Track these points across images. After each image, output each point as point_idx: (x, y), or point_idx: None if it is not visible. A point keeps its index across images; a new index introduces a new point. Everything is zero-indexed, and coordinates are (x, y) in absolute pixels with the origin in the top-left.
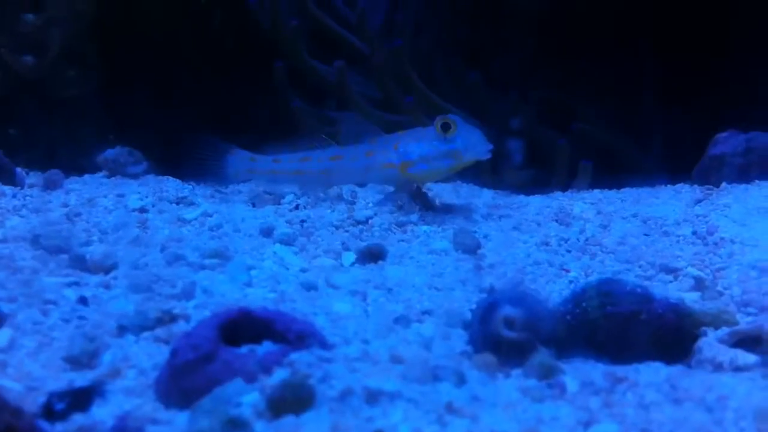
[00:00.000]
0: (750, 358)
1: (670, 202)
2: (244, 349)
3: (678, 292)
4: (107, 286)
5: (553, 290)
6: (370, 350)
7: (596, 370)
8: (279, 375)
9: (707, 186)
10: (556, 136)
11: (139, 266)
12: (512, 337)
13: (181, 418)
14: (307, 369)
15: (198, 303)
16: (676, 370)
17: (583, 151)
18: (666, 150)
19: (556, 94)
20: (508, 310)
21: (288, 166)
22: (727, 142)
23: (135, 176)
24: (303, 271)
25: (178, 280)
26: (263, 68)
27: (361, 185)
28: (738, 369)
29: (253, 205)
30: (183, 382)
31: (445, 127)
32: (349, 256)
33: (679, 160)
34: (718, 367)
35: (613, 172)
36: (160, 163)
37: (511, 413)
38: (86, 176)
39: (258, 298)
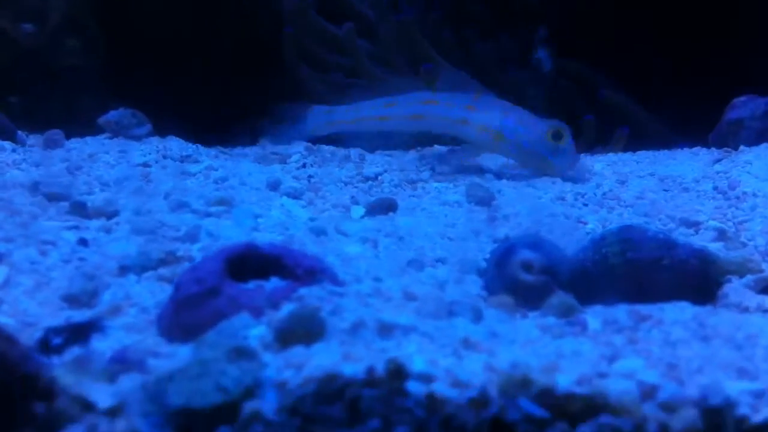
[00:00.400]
0: None
1: (688, 162)
2: (251, 284)
3: (700, 243)
4: (108, 230)
5: (570, 242)
6: (383, 288)
7: (619, 309)
8: (287, 309)
9: (725, 149)
10: (581, 105)
11: (142, 212)
12: (530, 280)
13: (183, 351)
14: (317, 303)
15: (203, 246)
16: (703, 309)
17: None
18: (680, 118)
19: (570, 64)
20: (525, 254)
21: (372, 112)
22: (745, 107)
23: (138, 138)
24: (311, 220)
25: (183, 225)
26: (270, 40)
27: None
28: (767, 312)
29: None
30: (186, 316)
31: (557, 136)
32: (359, 210)
33: (694, 128)
34: (745, 312)
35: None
36: (165, 132)
37: (531, 349)
38: (88, 138)
39: (266, 240)
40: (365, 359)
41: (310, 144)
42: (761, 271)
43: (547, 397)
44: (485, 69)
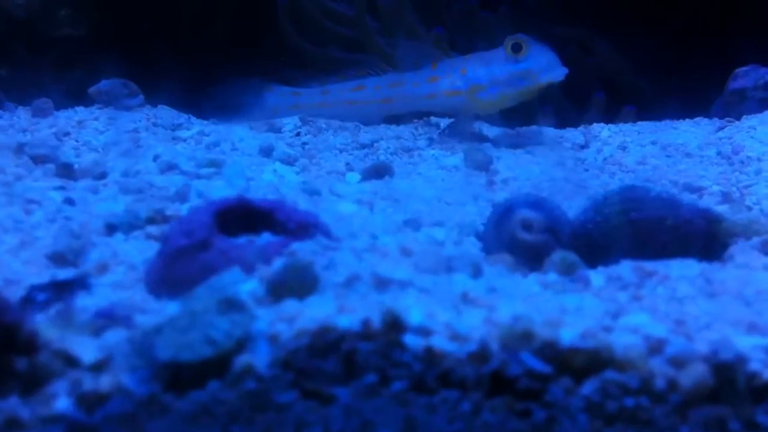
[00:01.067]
0: None
1: (691, 131)
2: (242, 238)
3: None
4: (95, 191)
5: (572, 206)
6: (379, 244)
7: (623, 266)
8: (279, 264)
9: (728, 119)
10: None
11: (131, 174)
12: (530, 239)
13: (171, 306)
14: (311, 257)
15: (193, 205)
16: (710, 266)
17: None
18: (681, 89)
19: (573, 30)
20: (525, 213)
21: (339, 96)
22: (747, 76)
23: (130, 109)
24: (305, 183)
25: (172, 186)
26: (267, 6)
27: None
28: None
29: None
30: (175, 270)
31: (516, 48)
32: (354, 176)
33: (695, 100)
34: (754, 270)
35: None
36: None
37: (532, 304)
38: (78, 107)
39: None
40: (361, 311)
41: None
42: None
43: (550, 350)
44: (485, 35)
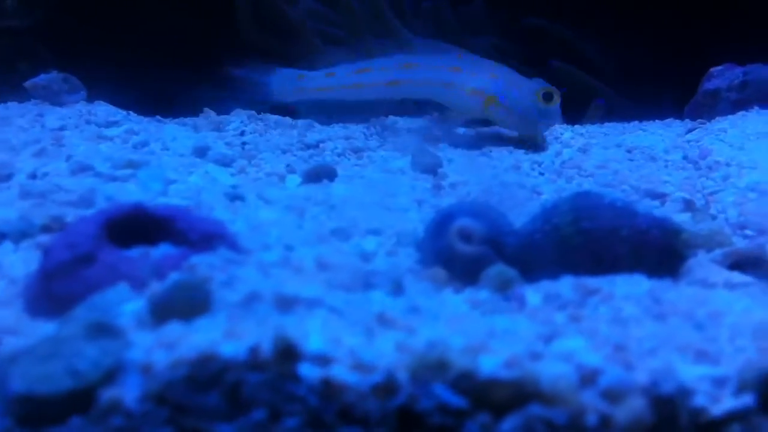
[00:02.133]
0: (748, 280)
1: (659, 133)
2: (135, 251)
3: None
4: None
5: (522, 213)
6: (294, 257)
7: (563, 283)
8: (173, 280)
9: (700, 120)
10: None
11: (38, 176)
12: (467, 251)
13: (47, 329)
14: (209, 271)
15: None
16: (660, 283)
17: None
18: (657, 90)
19: (548, 25)
20: (465, 222)
21: (345, 79)
22: (722, 76)
23: (64, 105)
24: (234, 187)
25: (81, 189)
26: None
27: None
28: (735, 287)
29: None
30: (55, 287)
31: (547, 97)
32: (294, 179)
33: (672, 99)
34: (711, 288)
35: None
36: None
37: (456, 326)
38: (10, 102)
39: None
40: (251, 336)
41: (253, 112)
42: (731, 244)
43: (466, 382)
44: (451, 35)
